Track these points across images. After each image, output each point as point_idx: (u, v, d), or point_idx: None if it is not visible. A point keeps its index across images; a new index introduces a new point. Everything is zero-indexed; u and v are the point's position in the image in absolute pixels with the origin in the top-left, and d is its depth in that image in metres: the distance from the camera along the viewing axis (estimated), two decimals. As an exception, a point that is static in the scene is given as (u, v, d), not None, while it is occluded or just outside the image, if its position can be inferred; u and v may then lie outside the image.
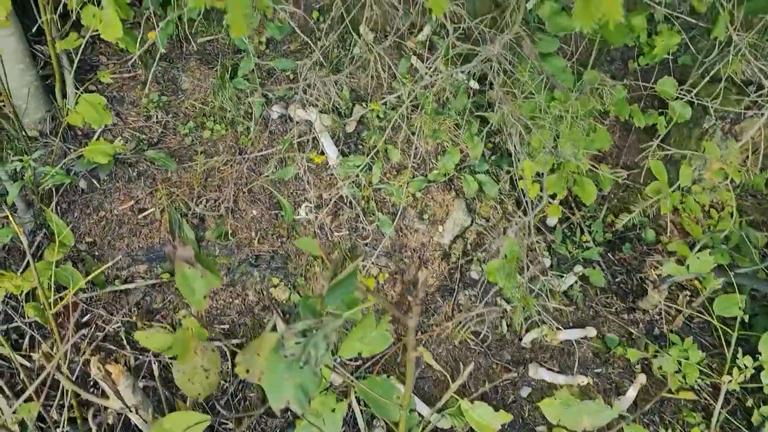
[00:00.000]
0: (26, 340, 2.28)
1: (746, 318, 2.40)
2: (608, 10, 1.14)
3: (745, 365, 2.38)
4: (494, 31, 2.45)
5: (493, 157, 2.94)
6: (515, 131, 2.45)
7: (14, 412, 1.68)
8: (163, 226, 2.57)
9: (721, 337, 2.49)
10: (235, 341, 2.44)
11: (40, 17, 2.35)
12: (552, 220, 3.00)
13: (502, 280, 2.34)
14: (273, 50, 3.01)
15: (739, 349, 2.45)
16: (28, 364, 2.19)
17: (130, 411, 1.50)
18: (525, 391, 2.61)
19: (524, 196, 2.62)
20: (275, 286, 2.59)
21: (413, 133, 2.75)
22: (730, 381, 2.37)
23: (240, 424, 2.25)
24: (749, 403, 2.59)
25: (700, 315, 2.81)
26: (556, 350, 2.73)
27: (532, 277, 2.56)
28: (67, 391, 2.00)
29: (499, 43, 2.24)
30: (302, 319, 0.90)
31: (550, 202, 2.88)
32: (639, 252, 3.09)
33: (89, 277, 2.23)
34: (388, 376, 2.42)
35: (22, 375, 2.02)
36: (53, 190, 2.52)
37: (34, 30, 2.45)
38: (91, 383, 2.25)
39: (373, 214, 2.74)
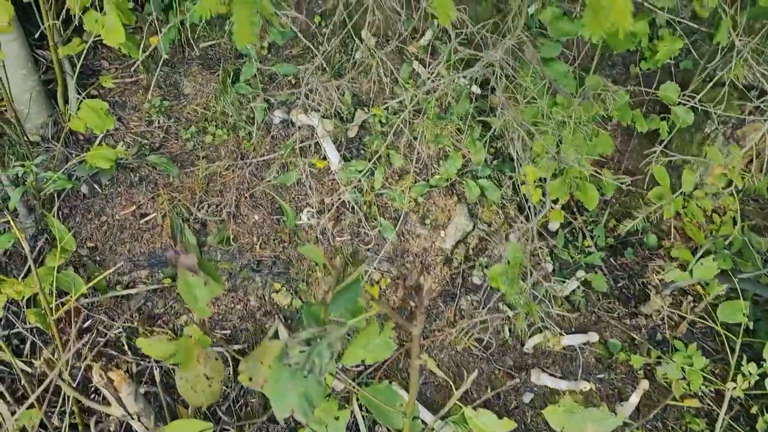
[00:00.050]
0: (27, 346, 2.28)
1: (750, 324, 2.39)
2: (617, 19, 1.14)
3: (749, 372, 2.36)
4: (496, 36, 2.45)
5: (495, 162, 2.94)
6: (517, 136, 2.45)
7: (16, 419, 1.67)
8: (165, 231, 2.57)
9: (725, 343, 2.48)
10: (236, 347, 2.43)
11: (43, 22, 2.35)
12: (554, 225, 2.99)
13: (504, 285, 2.33)
14: (275, 55, 3.01)
15: (743, 356, 2.44)
16: (29, 370, 2.18)
17: (132, 418, 1.49)
18: (527, 397, 2.60)
19: (526, 202, 2.61)
20: (277, 292, 2.58)
21: (415, 138, 2.74)
22: (735, 388, 2.36)
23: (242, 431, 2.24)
24: (753, 410, 2.57)
25: (702, 321, 2.80)
26: (559, 356, 2.72)
27: (534, 282, 2.55)
28: (68, 397, 1.99)
29: (501, 48, 2.23)
30: (306, 327, 0.89)
31: (552, 207, 2.87)
32: (641, 257, 3.08)
33: (91, 283, 2.23)
34: (390, 383, 2.41)
35: (23, 381, 2.01)
36: (55, 195, 2.51)
37: (36, 35, 2.45)
38: (93, 389, 2.24)
39: (375, 219, 2.73)
